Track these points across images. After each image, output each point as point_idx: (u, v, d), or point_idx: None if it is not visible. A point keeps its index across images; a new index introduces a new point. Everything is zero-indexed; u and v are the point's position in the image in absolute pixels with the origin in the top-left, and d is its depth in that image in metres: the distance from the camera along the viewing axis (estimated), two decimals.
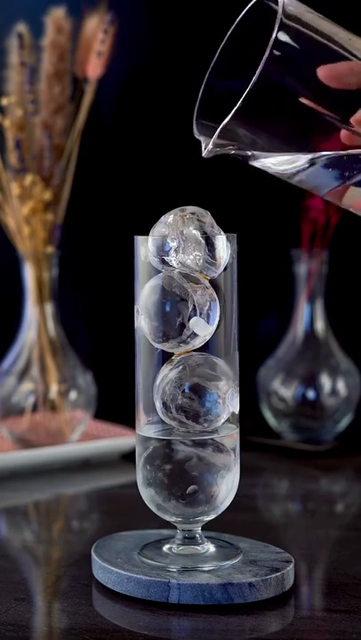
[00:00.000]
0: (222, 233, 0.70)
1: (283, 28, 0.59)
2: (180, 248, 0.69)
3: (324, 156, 0.62)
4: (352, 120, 0.60)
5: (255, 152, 0.64)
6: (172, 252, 0.70)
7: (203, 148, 0.67)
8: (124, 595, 0.69)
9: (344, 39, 0.61)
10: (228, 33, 0.66)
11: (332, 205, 1.20)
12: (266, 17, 0.63)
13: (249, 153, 0.64)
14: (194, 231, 0.69)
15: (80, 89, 1.16)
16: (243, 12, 0.64)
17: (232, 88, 0.67)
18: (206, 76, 0.67)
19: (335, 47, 0.60)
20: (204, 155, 0.67)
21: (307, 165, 0.63)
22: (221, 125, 0.61)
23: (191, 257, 0.69)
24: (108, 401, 1.19)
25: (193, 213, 0.70)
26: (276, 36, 0.58)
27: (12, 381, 1.13)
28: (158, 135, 1.32)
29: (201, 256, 0.69)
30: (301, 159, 0.62)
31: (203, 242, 0.69)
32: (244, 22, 0.65)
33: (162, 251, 0.70)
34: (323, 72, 0.60)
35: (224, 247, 0.70)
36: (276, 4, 0.60)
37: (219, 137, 0.63)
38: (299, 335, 1.21)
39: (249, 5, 0.64)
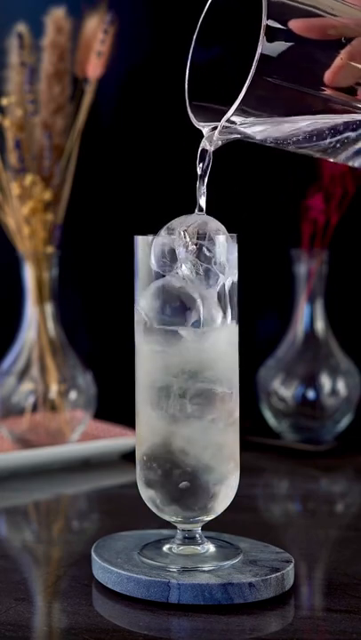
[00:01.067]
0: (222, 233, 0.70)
1: (271, 9, 0.58)
2: (180, 260, 0.69)
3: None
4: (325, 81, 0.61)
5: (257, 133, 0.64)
6: (173, 261, 0.69)
7: (208, 143, 0.67)
8: (124, 595, 0.69)
9: (327, 7, 0.61)
10: (206, 7, 0.65)
11: (332, 205, 1.20)
12: None
13: (251, 133, 0.64)
14: (194, 245, 0.69)
15: (80, 89, 1.15)
16: None
17: (217, 60, 0.67)
18: (190, 53, 0.67)
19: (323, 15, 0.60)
20: (211, 148, 0.67)
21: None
22: (226, 116, 0.61)
23: (188, 265, 0.69)
24: (108, 401, 1.19)
25: (196, 228, 0.69)
26: (267, 24, 0.58)
27: (12, 381, 1.13)
28: (158, 135, 1.32)
29: (200, 263, 0.69)
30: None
31: (204, 248, 0.69)
32: None
33: (162, 261, 0.69)
34: (297, 24, 0.59)
35: (224, 247, 0.70)
36: None
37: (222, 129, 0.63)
38: (299, 335, 1.21)
39: None
